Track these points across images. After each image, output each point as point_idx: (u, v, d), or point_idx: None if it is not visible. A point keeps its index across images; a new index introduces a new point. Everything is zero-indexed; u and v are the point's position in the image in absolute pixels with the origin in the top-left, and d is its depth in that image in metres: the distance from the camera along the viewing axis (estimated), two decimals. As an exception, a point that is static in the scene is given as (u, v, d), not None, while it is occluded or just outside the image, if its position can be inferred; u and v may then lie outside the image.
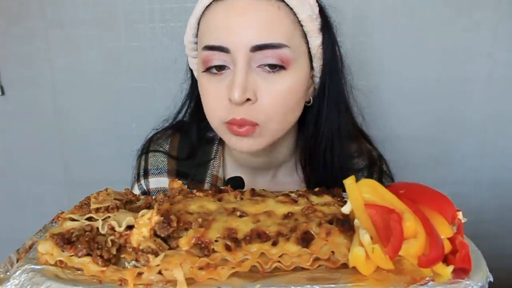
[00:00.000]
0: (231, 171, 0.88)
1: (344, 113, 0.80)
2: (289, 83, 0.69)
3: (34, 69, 1.23)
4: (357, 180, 0.86)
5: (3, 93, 1.25)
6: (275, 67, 0.68)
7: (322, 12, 0.75)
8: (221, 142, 0.87)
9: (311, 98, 0.79)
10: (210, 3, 0.70)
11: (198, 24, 0.73)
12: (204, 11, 0.71)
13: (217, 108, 0.71)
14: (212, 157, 0.86)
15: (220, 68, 0.69)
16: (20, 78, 1.24)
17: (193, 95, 0.86)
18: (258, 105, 0.68)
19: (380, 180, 0.89)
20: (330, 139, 0.79)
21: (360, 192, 0.54)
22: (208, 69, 0.70)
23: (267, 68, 0.68)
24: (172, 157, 0.89)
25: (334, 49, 0.77)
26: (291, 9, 0.69)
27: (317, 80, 0.77)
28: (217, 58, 0.68)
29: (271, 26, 0.67)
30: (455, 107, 1.23)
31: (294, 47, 0.69)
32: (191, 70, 0.83)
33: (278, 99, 0.69)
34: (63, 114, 1.27)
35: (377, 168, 0.89)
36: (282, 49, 0.67)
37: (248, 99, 0.67)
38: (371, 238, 0.49)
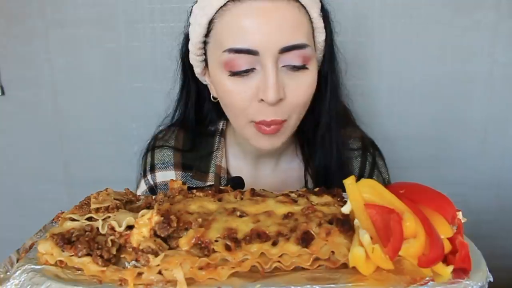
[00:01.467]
0: (234, 161, 0.90)
1: (340, 99, 0.84)
2: (310, 79, 0.73)
3: (34, 69, 1.23)
4: (353, 161, 0.88)
5: (3, 93, 1.26)
6: (299, 64, 0.71)
7: (323, 7, 0.77)
8: (223, 134, 0.90)
9: None
10: (226, 3, 0.70)
11: (209, 23, 0.73)
12: (218, 11, 0.71)
13: (245, 108, 0.72)
14: (215, 148, 0.89)
15: (247, 70, 0.70)
16: (20, 78, 1.24)
17: (190, 88, 0.87)
18: (286, 102, 0.71)
19: (374, 161, 0.91)
20: (328, 124, 0.82)
21: (360, 192, 0.54)
22: (234, 74, 0.71)
23: (292, 66, 0.70)
24: (178, 150, 0.91)
25: (333, 41, 0.80)
26: (305, 8, 0.72)
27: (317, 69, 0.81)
28: (244, 61, 0.69)
29: (295, 27, 0.69)
30: (455, 107, 1.23)
31: (312, 44, 0.73)
32: (188, 66, 0.83)
33: (303, 95, 0.73)
34: (63, 114, 1.27)
35: (371, 149, 0.92)
36: (306, 49, 0.70)
37: (280, 99, 0.70)
38: (371, 238, 0.49)
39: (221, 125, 0.90)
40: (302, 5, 0.71)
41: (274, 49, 0.68)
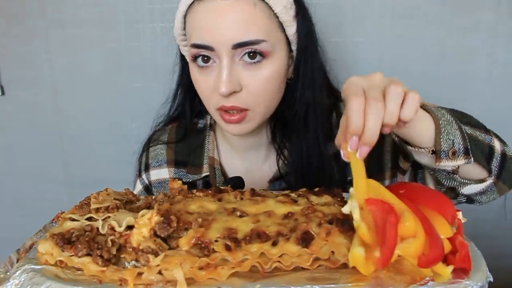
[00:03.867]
0: (225, 154, 0.93)
1: (319, 87, 0.84)
2: (269, 70, 0.76)
3: (34, 69, 1.23)
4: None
5: (3, 93, 1.25)
6: (255, 58, 0.74)
7: (297, 3, 0.79)
8: (212, 128, 0.93)
9: (292, 75, 0.84)
10: (192, 2, 0.75)
11: (184, 18, 0.79)
12: (188, 8, 0.77)
13: (209, 96, 0.78)
14: (206, 141, 0.92)
15: (207, 61, 0.76)
16: (20, 78, 1.24)
17: (185, 75, 0.90)
18: (245, 93, 0.75)
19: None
20: (305, 111, 0.83)
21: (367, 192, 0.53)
22: (198, 66, 0.77)
23: (248, 59, 0.74)
24: (170, 144, 0.94)
25: (310, 31, 0.82)
26: (267, 3, 0.74)
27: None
28: (204, 54, 0.75)
29: (249, 24, 0.72)
30: (455, 107, 1.22)
31: (271, 39, 0.75)
32: (182, 56, 0.88)
33: (262, 85, 0.76)
34: (63, 114, 1.27)
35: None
36: (261, 44, 0.73)
37: (234, 91, 0.74)
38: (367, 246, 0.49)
39: (208, 119, 0.94)
40: (263, 1, 0.73)
41: (227, 46, 0.72)
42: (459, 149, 0.62)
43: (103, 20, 1.19)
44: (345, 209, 0.54)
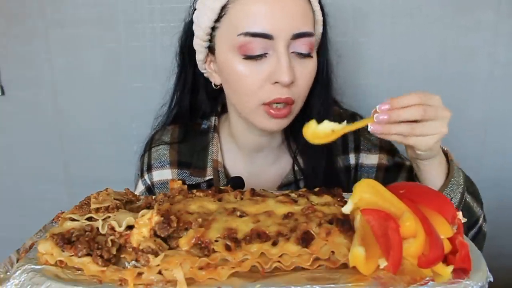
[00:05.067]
0: (229, 156, 0.92)
1: (331, 87, 0.88)
2: (313, 65, 0.79)
3: (34, 69, 1.23)
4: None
5: (3, 93, 1.25)
6: (306, 51, 0.76)
7: (321, 4, 0.82)
8: (216, 129, 0.92)
9: None
10: None
11: (222, 9, 0.75)
12: None
13: (257, 91, 0.75)
14: (210, 143, 0.91)
15: (260, 55, 0.74)
16: (20, 78, 1.24)
17: (187, 75, 0.89)
18: (296, 85, 0.76)
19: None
20: (320, 110, 0.84)
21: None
22: (248, 57, 0.74)
23: (301, 52, 0.75)
24: (173, 145, 0.92)
25: (327, 35, 0.85)
26: (309, 0, 0.78)
27: None
28: (258, 45, 0.73)
29: (304, 16, 0.75)
30: (455, 106, 1.20)
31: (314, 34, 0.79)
32: (188, 53, 0.86)
33: (308, 79, 0.78)
34: (63, 114, 1.27)
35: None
36: (312, 37, 0.76)
37: (292, 82, 0.75)
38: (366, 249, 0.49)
39: (213, 120, 0.92)
40: None
41: (287, 35, 0.73)
42: None
43: (103, 20, 1.19)
44: (345, 209, 0.54)
